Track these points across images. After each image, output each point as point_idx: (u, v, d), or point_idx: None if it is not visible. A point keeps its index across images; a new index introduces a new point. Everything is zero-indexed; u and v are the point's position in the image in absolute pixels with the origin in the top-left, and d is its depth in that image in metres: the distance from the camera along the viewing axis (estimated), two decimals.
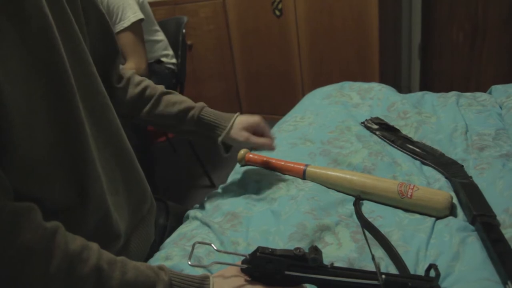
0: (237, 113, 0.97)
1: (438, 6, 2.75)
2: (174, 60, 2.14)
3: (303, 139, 1.18)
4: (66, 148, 0.59)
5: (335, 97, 1.41)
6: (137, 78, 0.94)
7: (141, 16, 1.79)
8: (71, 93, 0.60)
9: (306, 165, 0.97)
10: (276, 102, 2.90)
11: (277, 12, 2.59)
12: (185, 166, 2.60)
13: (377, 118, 1.24)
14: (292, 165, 1.00)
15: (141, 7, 1.84)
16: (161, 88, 0.94)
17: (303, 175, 0.97)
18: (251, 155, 1.07)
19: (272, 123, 1.38)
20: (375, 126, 1.20)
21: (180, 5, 3.07)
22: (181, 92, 2.25)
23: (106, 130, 0.71)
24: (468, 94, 1.36)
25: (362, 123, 1.24)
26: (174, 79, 2.12)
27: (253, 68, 2.87)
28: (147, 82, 0.94)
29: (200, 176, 2.35)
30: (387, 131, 1.18)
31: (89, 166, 0.63)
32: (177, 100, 0.93)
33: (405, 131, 1.18)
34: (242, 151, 1.06)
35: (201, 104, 0.95)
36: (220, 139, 0.94)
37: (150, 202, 0.86)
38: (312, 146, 1.14)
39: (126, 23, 1.75)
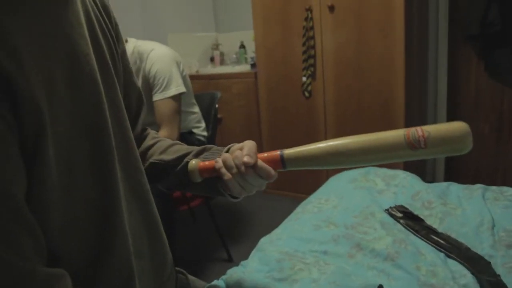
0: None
1: (463, 97, 2.82)
2: (205, 133, 2.23)
3: (327, 221, 1.19)
4: (100, 210, 0.62)
5: (360, 181, 1.43)
6: (155, 133, 0.95)
7: (183, 89, 1.91)
8: (111, 156, 0.64)
9: (281, 150, 0.72)
10: (300, 181, 2.93)
11: (306, 94, 2.70)
12: (204, 237, 2.59)
13: (401, 206, 1.25)
14: (266, 154, 0.73)
15: (184, 81, 1.96)
16: (175, 141, 0.91)
17: (281, 163, 0.71)
18: (206, 163, 0.76)
19: (295, 201, 1.40)
20: (399, 214, 1.20)
21: (215, 80, 3.24)
22: None
23: (138, 194, 0.74)
24: (494, 188, 1.36)
25: (386, 210, 1.24)
26: None
27: (280, 145, 2.94)
28: (163, 138, 0.93)
29: (219, 249, 2.33)
30: (411, 220, 1.17)
31: (119, 228, 0.65)
32: (188, 146, 0.88)
33: (429, 221, 1.18)
34: (193, 161, 0.76)
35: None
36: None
37: (171, 268, 0.87)
38: (335, 229, 1.14)
39: (168, 94, 1.87)
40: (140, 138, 0.92)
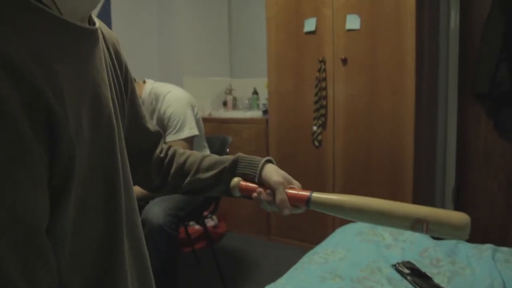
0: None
1: (472, 154, 2.82)
2: None
3: (333, 274, 1.18)
4: (105, 248, 0.64)
5: (367, 235, 1.42)
6: (181, 150, 0.98)
7: (196, 132, 1.95)
8: (120, 198, 0.66)
9: (311, 192, 0.80)
10: (304, 230, 2.90)
11: (316, 143, 2.73)
12: (206, 281, 2.54)
13: (409, 262, 1.23)
14: (295, 192, 0.81)
15: (197, 123, 2.01)
16: (202, 153, 0.97)
17: (306, 204, 0.79)
18: (248, 183, 0.86)
19: (300, 250, 1.39)
20: (407, 271, 1.19)
21: (226, 124, 3.29)
22: (216, 208, 2.31)
23: (132, 233, 0.76)
24: (505, 249, 1.34)
25: (393, 265, 1.23)
26: None
27: None
28: (190, 151, 0.98)
29: None
30: (419, 278, 1.16)
31: (120, 267, 0.66)
32: (217, 159, 0.93)
33: (437, 280, 1.16)
34: (235, 179, 0.86)
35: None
36: (260, 165, 0.87)
37: None
38: (341, 282, 1.13)
39: (181, 135, 1.91)
40: (164, 157, 0.95)
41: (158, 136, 0.96)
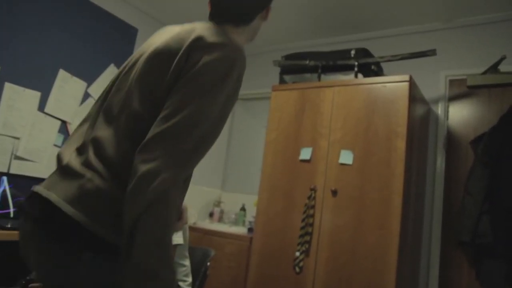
0: None
1: None
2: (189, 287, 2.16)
3: None
4: None
5: None
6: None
7: (180, 241, 1.93)
8: None
9: None
10: None
11: (297, 269, 2.69)
12: None
13: None
14: None
15: (183, 232, 2.00)
16: None
17: None
18: None
19: None
20: None
21: (209, 236, 3.26)
22: None
23: None
24: None
25: None
26: None
27: None
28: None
29: None
30: None
31: None
32: None
33: None
34: None
35: None
36: None
37: None
38: None
39: None
40: None
41: None
